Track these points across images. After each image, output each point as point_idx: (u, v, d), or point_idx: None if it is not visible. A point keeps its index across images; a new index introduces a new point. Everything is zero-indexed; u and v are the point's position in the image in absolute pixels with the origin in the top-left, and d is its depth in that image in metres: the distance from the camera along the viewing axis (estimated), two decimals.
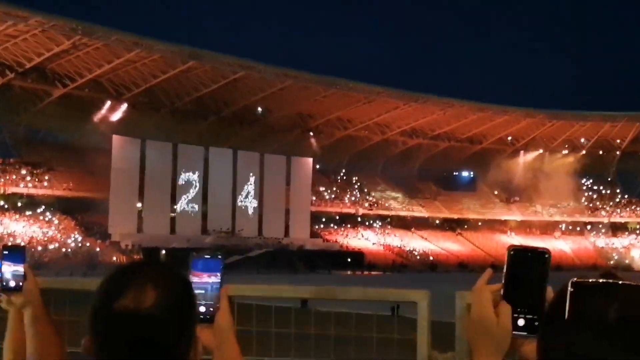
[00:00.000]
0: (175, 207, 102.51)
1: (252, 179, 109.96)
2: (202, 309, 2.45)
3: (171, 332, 2.16)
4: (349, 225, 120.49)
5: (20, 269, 3.18)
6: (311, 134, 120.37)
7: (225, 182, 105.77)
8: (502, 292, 1.91)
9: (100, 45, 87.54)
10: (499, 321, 1.89)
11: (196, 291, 2.38)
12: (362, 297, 3.96)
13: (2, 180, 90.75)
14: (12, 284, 3.15)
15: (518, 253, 1.93)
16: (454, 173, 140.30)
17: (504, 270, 1.92)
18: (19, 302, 3.13)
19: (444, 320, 4.64)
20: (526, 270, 1.91)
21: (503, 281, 1.91)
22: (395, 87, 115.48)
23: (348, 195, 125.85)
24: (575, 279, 1.74)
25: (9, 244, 3.58)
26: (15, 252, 3.22)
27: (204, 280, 2.50)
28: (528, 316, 1.90)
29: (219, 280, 2.51)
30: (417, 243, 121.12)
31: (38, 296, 3.16)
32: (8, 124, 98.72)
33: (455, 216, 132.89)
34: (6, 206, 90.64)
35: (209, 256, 2.52)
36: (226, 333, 2.52)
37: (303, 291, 4.13)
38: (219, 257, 2.54)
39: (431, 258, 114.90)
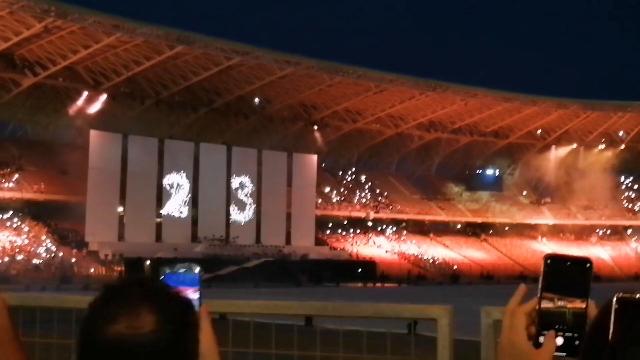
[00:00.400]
0: (161, 211, 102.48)
1: (248, 179, 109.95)
2: None
3: None
4: (358, 231, 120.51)
5: None
6: (315, 127, 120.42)
7: (218, 183, 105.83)
8: (537, 308, 1.87)
9: (76, 29, 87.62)
10: (539, 355, 1.85)
11: None
12: (374, 314, 3.95)
13: None
14: None
15: (556, 262, 1.89)
16: (478, 171, 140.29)
17: (540, 282, 1.88)
18: None
19: (467, 338, 4.63)
20: (565, 282, 1.88)
21: (538, 295, 1.88)
22: (410, 74, 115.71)
23: (357, 197, 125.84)
24: (620, 294, 1.70)
25: None
26: None
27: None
28: (567, 334, 1.86)
29: (198, 297, 2.44)
30: (436, 251, 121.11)
31: (4, 316, 2.96)
32: None
33: (479, 220, 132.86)
34: None
35: (183, 270, 2.47)
36: (209, 359, 2.41)
37: (307, 308, 4.13)
38: (196, 270, 2.47)
39: (453, 268, 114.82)
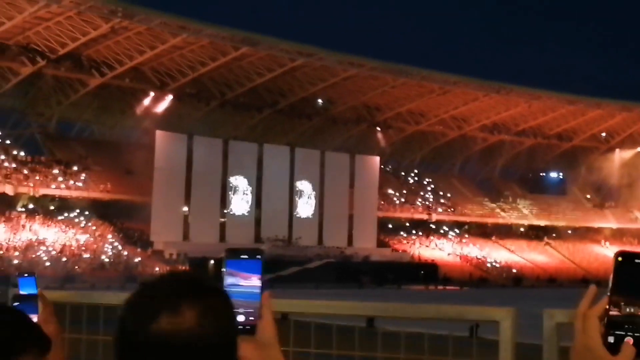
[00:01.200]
0: (225, 211, 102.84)
1: (311, 180, 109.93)
2: (240, 317, 2.34)
3: (214, 358, 2.10)
4: (420, 233, 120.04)
5: (34, 292, 3.23)
6: (378, 129, 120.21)
7: (282, 184, 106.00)
8: (607, 308, 1.84)
9: (143, 30, 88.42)
10: None
11: (233, 297, 2.29)
12: (436, 316, 3.92)
13: (32, 180, 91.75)
14: (27, 309, 3.03)
15: (628, 259, 1.85)
16: (541, 174, 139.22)
17: (610, 281, 1.85)
18: None
19: (530, 341, 4.59)
20: (637, 280, 1.83)
21: (608, 294, 1.84)
22: (474, 76, 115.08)
23: (420, 199, 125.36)
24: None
25: (23, 269, 3.58)
26: (29, 275, 3.28)
27: (241, 284, 2.39)
28: (637, 334, 1.82)
29: (260, 284, 2.40)
30: (499, 254, 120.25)
31: (53, 322, 3.12)
32: (38, 118, 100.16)
33: (543, 223, 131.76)
34: (36, 209, 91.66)
35: (246, 256, 2.43)
36: (271, 348, 2.38)
37: (369, 308, 4.11)
38: (258, 256, 2.43)
39: (515, 271, 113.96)
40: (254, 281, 2.40)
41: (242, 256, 2.42)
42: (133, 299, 2.17)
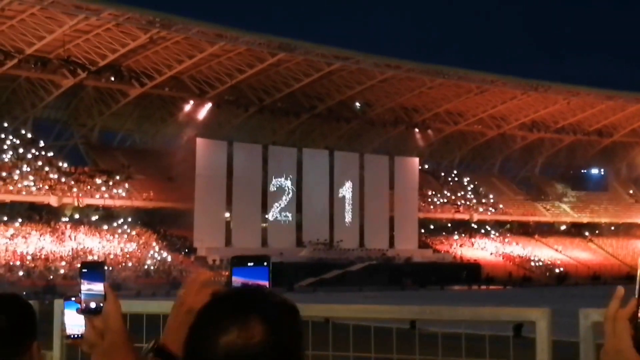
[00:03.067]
0: (266, 216, 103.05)
1: (351, 183, 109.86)
2: None
3: None
4: (462, 234, 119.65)
5: (99, 288, 3.09)
6: (417, 130, 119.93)
7: (321, 187, 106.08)
8: (636, 310, 1.80)
9: (180, 39, 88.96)
10: None
11: None
12: (472, 318, 3.95)
13: (76, 190, 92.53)
14: (92, 305, 3.04)
15: None
16: (582, 171, 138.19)
17: (637, 282, 1.81)
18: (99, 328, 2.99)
19: (570, 340, 4.59)
20: None
21: (636, 296, 1.80)
22: (512, 74, 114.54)
23: (461, 199, 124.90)
24: None
25: (88, 259, 3.56)
26: (94, 269, 3.16)
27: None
28: None
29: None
30: (542, 252, 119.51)
31: (119, 320, 3.01)
32: (81, 128, 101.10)
33: (585, 220, 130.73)
34: (81, 220, 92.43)
35: (253, 263, 2.43)
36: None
37: (405, 312, 4.14)
38: (265, 263, 2.44)
39: (558, 269, 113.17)
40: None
41: (249, 263, 2.44)
42: (204, 312, 2.19)
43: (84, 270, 3.12)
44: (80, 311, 3.06)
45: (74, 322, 3.14)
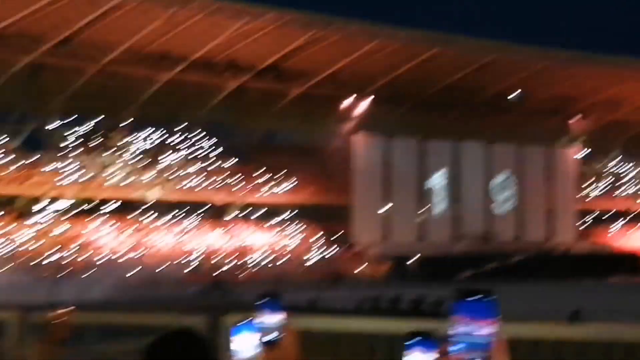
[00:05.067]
0: (423, 210, 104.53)
1: (507, 175, 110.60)
2: None
3: None
4: (622, 224, 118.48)
5: (278, 319, 3.28)
6: (574, 119, 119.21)
7: (478, 180, 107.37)
8: None
9: (337, 38, 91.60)
10: None
11: (460, 345, 2.17)
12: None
13: (241, 189, 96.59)
14: (271, 337, 3.23)
15: None
16: None
17: None
18: None
19: None
20: None
21: None
22: None
23: (620, 189, 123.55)
24: None
25: (268, 289, 3.73)
26: (274, 299, 3.35)
27: (474, 332, 2.22)
28: None
29: (494, 330, 2.22)
30: None
31: (296, 354, 3.21)
32: (244, 129, 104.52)
33: None
34: (244, 216, 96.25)
35: (476, 297, 2.24)
36: None
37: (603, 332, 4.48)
38: (491, 296, 2.24)
39: None
40: (488, 327, 2.23)
41: (472, 297, 2.23)
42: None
43: (264, 300, 3.33)
44: (258, 343, 3.22)
45: (242, 347, 3.26)
